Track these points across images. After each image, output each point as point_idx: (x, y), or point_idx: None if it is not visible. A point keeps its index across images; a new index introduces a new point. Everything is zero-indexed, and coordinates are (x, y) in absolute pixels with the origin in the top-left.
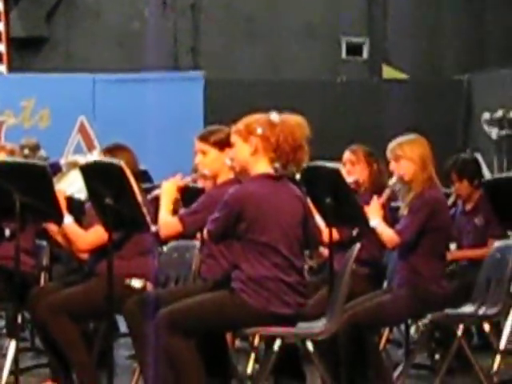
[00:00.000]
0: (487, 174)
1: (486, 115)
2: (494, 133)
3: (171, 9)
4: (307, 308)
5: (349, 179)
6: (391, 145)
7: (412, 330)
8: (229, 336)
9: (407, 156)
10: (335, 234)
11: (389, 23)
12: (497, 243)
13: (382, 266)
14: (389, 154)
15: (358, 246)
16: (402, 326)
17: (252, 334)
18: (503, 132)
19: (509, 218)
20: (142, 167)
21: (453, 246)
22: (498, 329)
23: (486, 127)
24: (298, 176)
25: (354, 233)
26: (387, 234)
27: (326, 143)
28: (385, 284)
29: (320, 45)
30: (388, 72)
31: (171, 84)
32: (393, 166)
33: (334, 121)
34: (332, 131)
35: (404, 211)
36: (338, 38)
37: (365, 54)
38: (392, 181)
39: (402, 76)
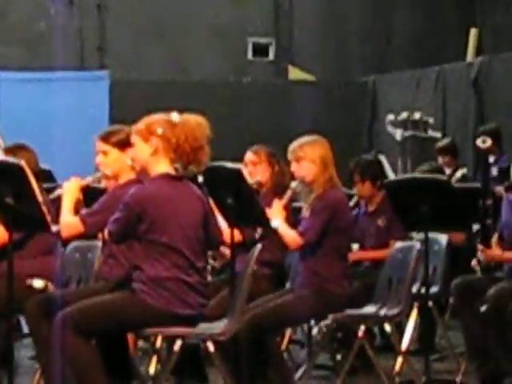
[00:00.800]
0: (392, 176)
1: (391, 117)
2: (398, 134)
3: (77, 8)
4: (209, 308)
5: (251, 180)
6: (292, 146)
7: (314, 330)
8: (131, 337)
9: (308, 157)
10: (238, 235)
11: (295, 24)
12: (398, 244)
13: (284, 266)
14: (290, 155)
15: (259, 246)
16: (305, 327)
17: (153, 335)
18: (407, 133)
19: (410, 218)
20: (47, 167)
21: (355, 247)
22: (400, 329)
23: (390, 129)
24: (200, 178)
25: (257, 234)
26: (289, 235)
27: (232, 144)
28: (287, 285)
29: (226, 45)
30: (294, 73)
31: (77, 83)
32: (294, 167)
33: (239, 121)
34: (237, 132)
35: (306, 212)
36: (244, 38)
37: (271, 55)
38: (294, 182)
39: (308, 77)
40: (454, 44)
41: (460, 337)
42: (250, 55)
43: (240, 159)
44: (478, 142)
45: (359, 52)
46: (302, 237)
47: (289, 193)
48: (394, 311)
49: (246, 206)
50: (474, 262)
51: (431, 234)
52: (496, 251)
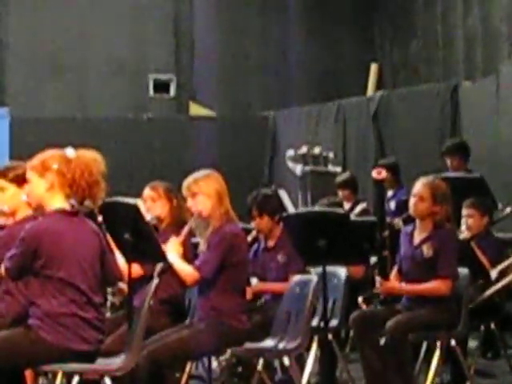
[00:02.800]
0: (292, 210)
1: (291, 152)
2: (298, 169)
3: None
4: (107, 344)
5: (150, 215)
6: (187, 181)
7: (214, 365)
8: (30, 373)
9: (203, 192)
10: (138, 270)
11: (196, 61)
12: (296, 277)
13: (183, 301)
14: (185, 190)
15: (155, 282)
16: (205, 362)
17: (52, 372)
18: (307, 168)
19: (308, 252)
20: None
21: (254, 281)
22: (301, 363)
23: (290, 163)
24: (100, 217)
25: (157, 269)
26: (186, 270)
27: (133, 180)
28: (187, 320)
29: (127, 82)
30: (195, 109)
31: None
32: (190, 202)
33: (140, 158)
34: (137, 168)
35: (203, 247)
36: (145, 75)
37: (172, 92)
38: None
39: (209, 113)
40: (355, 79)
41: (361, 369)
42: (151, 92)
43: (141, 195)
44: (374, 173)
45: (259, 88)
46: (198, 271)
47: (186, 228)
48: (293, 344)
49: (142, 242)
50: (360, 300)
51: (330, 268)
52: (394, 283)
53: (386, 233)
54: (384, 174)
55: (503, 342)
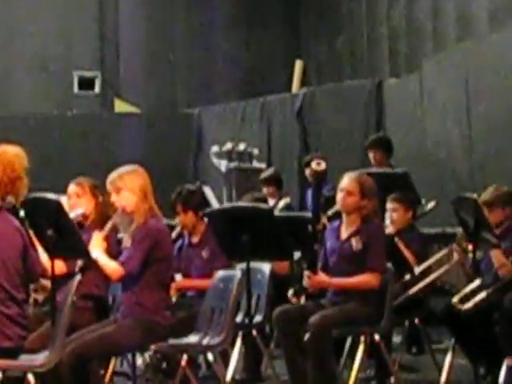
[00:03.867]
0: (216, 206)
1: (215, 148)
2: (223, 165)
3: None
4: (30, 340)
5: (75, 212)
6: (111, 177)
7: (139, 361)
8: None
9: (128, 187)
10: (62, 267)
11: (121, 58)
12: (220, 273)
13: (107, 297)
14: (109, 185)
15: (78, 278)
16: (130, 358)
17: None
18: (232, 164)
19: (232, 248)
20: None
21: (178, 277)
22: (227, 359)
23: (215, 160)
24: (22, 211)
25: (79, 265)
26: (110, 266)
27: (58, 176)
28: (111, 316)
29: (52, 79)
30: (120, 106)
31: None
32: (114, 197)
33: (65, 154)
34: (64, 165)
35: (127, 242)
36: (70, 72)
37: (97, 88)
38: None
39: (134, 110)
40: (280, 76)
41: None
42: (75, 89)
43: (65, 191)
44: (313, 164)
45: (185, 85)
46: (123, 267)
47: (109, 224)
48: (217, 340)
49: (66, 238)
50: (290, 293)
51: (254, 263)
52: (323, 277)
53: (320, 226)
54: (324, 165)
55: (427, 338)
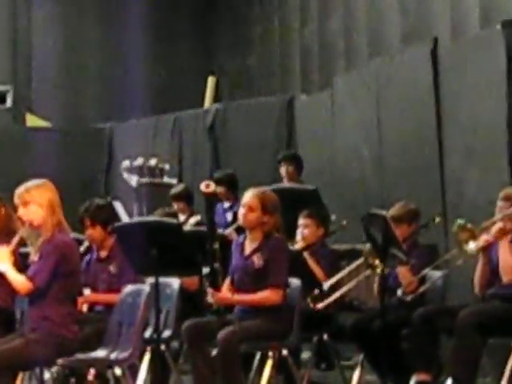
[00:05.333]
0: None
1: (126, 163)
2: (133, 180)
3: None
4: None
5: None
6: (18, 190)
7: (47, 375)
8: None
9: (35, 201)
10: None
11: (33, 72)
12: (128, 288)
13: (13, 310)
14: (16, 199)
15: None
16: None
17: None
18: (143, 180)
19: (141, 262)
20: None
21: (87, 292)
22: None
23: (126, 175)
24: None
25: None
26: (19, 280)
27: None
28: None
29: None
30: (31, 120)
31: None
32: (21, 211)
33: None
34: None
35: (34, 257)
36: None
37: (9, 102)
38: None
39: (46, 124)
40: (193, 92)
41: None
42: None
43: None
44: (202, 186)
45: (97, 100)
46: (31, 281)
47: (16, 237)
48: (124, 355)
49: None
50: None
51: (163, 278)
52: (225, 294)
53: (217, 245)
54: (212, 187)
55: (336, 353)
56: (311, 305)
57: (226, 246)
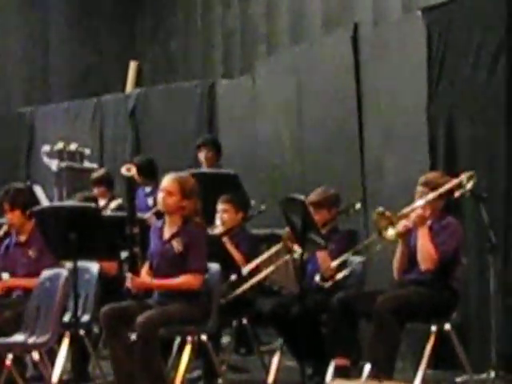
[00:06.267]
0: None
1: (46, 147)
2: (54, 165)
3: None
4: None
5: None
6: None
7: None
8: None
9: None
10: None
11: None
12: (46, 272)
13: None
14: None
15: None
16: None
17: None
18: (63, 164)
19: (59, 247)
20: None
21: (5, 276)
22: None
23: (46, 159)
24: None
25: None
26: None
27: None
28: None
29: None
30: None
31: None
32: None
33: None
34: None
35: None
36: None
37: None
38: None
39: None
40: (115, 76)
41: None
42: None
43: None
44: (123, 170)
45: (20, 84)
46: None
47: None
48: (42, 339)
49: None
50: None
51: (82, 263)
52: (144, 279)
53: (137, 229)
54: (133, 170)
55: (255, 338)
56: (230, 291)
57: (145, 230)
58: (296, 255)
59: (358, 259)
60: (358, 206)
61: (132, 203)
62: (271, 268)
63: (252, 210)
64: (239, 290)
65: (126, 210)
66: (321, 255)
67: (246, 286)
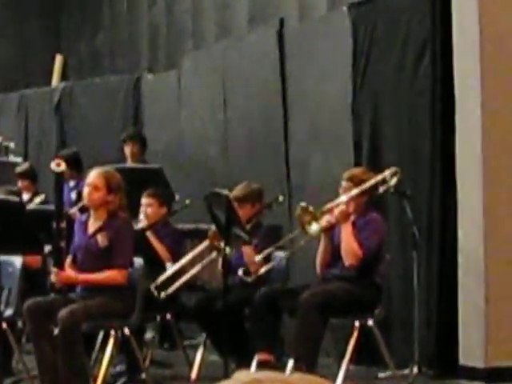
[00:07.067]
0: None
1: None
2: None
3: None
4: None
5: None
6: None
7: None
8: None
9: None
10: None
11: None
12: None
13: None
14: None
15: None
16: None
17: None
18: None
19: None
20: None
21: None
22: None
23: None
24: None
25: None
26: None
27: None
28: None
29: None
30: None
31: None
32: None
33: None
34: None
35: None
36: None
37: None
38: None
39: None
40: (40, 70)
41: None
42: None
43: None
44: (52, 165)
45: None
46: None
47: None
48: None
49: None
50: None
51: (5, 257)
52: (69, 273)
53: (64, 224)
54: (63, 165)
55: (179, 333)
56: (155, 293)
57: (70, 224)
58: (224, 252)
59: (281, 254)
60: (281, 198)
61: (60, 198)
62: (198, 268)
63: (176, 205)
64: (170, 289)
65: (54, 204)
66: (247, 250)
67: (176, 284)
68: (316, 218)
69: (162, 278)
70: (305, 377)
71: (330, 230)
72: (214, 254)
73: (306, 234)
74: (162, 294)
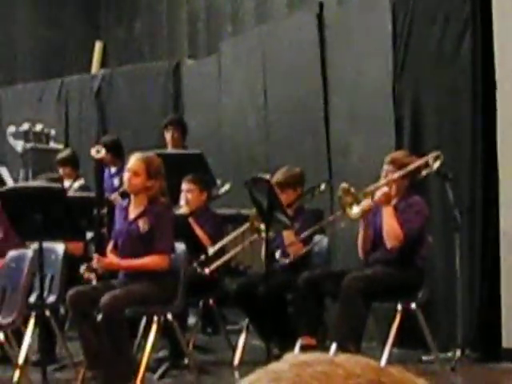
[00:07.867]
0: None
1: (12, 128)
2: (19, 146)
3: None
4: None
5: None
6: None
7: None
8: None
9: None
10: None
11: None
12: (12, 253)
13: None
14: None
15: None
16: None
17: None
18: (29, 145)
19: (25, 227)
20: None
21: None
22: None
23: (11, 140)
24: None
25: None
26: None
27: None
28: None
29: None
30: None
31: None
32: None
33: None
34: None
35: None
36: None
37: None
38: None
39: None
40: (80, 57)
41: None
42: None
43: None
44: (92, 151)
45: None
46: None
47: None
48: (8, 320)
49: None
50: (83, 268)
51: (48, 244)
52: (111, 259)
53: (105, 210)
54: (103, 152)
55: (221, 318)
56: (199, 270)
57: (111, 210)
58: (263, 235)
59: (323, 238)
60: (323, 187)
61: (101, 185)
62: (239, 248)
63: (217, 190)
64: (210, 268)
65: (94, 190)
66: (286, 234)
67: (216, 263)
68: (357, 200)
69: (205, 256)
70: (352, 357)
71: (371, 213)
72: (255, 235)
73: (347, 216)
74: (206, 270)
